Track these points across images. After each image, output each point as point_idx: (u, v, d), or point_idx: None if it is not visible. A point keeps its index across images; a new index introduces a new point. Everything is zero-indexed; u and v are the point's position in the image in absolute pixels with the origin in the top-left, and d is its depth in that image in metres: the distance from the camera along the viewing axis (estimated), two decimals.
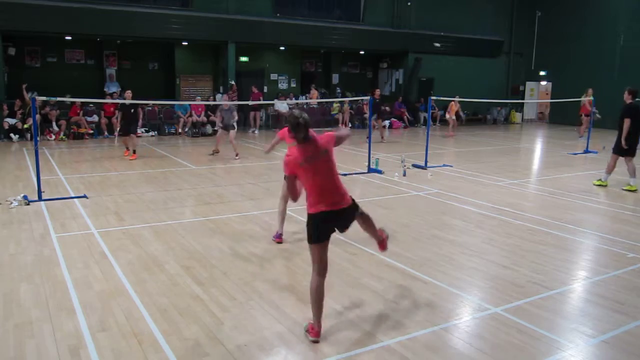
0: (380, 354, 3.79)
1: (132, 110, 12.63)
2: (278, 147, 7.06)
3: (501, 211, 8.05)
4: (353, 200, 4.09)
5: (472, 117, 24.96)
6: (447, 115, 19.16)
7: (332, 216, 3.93)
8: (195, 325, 4.17)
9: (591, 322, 4.35)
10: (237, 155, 12.95)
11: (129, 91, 12.78)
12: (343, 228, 4.13)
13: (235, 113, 13.06)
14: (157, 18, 17.94)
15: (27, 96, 13.95)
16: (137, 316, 4.31)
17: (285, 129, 5.66)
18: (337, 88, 23.60)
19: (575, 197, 9.16)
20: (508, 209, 8.18)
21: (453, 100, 18.22)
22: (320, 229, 3.95)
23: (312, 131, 3.95)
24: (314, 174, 3.87)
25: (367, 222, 4.34)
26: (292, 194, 4.05)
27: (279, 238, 6.33)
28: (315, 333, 3.95)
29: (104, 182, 9.75)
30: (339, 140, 4.16)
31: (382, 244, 4.61)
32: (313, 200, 3.93)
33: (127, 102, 12.35)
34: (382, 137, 17.29)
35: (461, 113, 19.07)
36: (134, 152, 12.72)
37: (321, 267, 3.98)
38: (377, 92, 16.75)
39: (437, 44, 22.86)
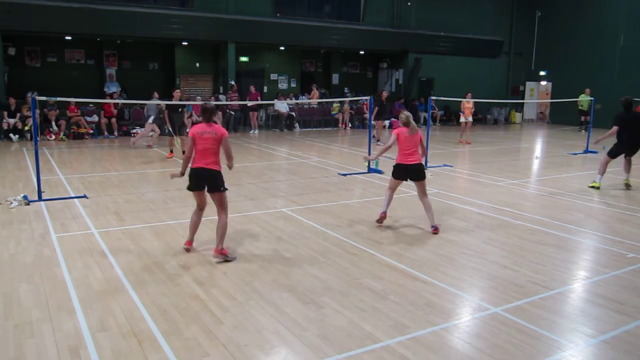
0: (380, 354, 3.79)
1: (180, 110, 12.74)
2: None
3: (501, 211, 8.05)
4: (222, 180, 5.67)
5: (472, 117, 24.85)
6: (463, 118, 17.17)
7: (203, 172, 5.59)
8: (195, 325, 4.17)
9: (591, 322, 4.35)
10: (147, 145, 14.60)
11: (178, 91, 13.09)
12: (210, 188, 5.65)
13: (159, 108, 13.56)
14: (157, 18, 17.94)
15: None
16: (137, 316, 4.31)
17: (401, 128, 7.43)
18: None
19: (575, 197, 9.16)
20: (508, 209, 8.18)
21: (465, 100, 16.77)
22: (194, 180, 5.65)
23: (218, 124, 5.82)
24: (202, 141, 5.57)
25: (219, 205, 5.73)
26: (189, 150, 5.70)
27: (383, 214, 7.11)
28: (188, 244, 5.92)
29: (104, 182, 9.75)
30: (225, 144, 5.69)
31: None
32: (194, 159, 5.63)
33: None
34: (376, 137, 16.18)
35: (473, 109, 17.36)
36: (171, 151, 12.99)
37: (200, 206, 5.90)
38: (384, 93, 16.99)
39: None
